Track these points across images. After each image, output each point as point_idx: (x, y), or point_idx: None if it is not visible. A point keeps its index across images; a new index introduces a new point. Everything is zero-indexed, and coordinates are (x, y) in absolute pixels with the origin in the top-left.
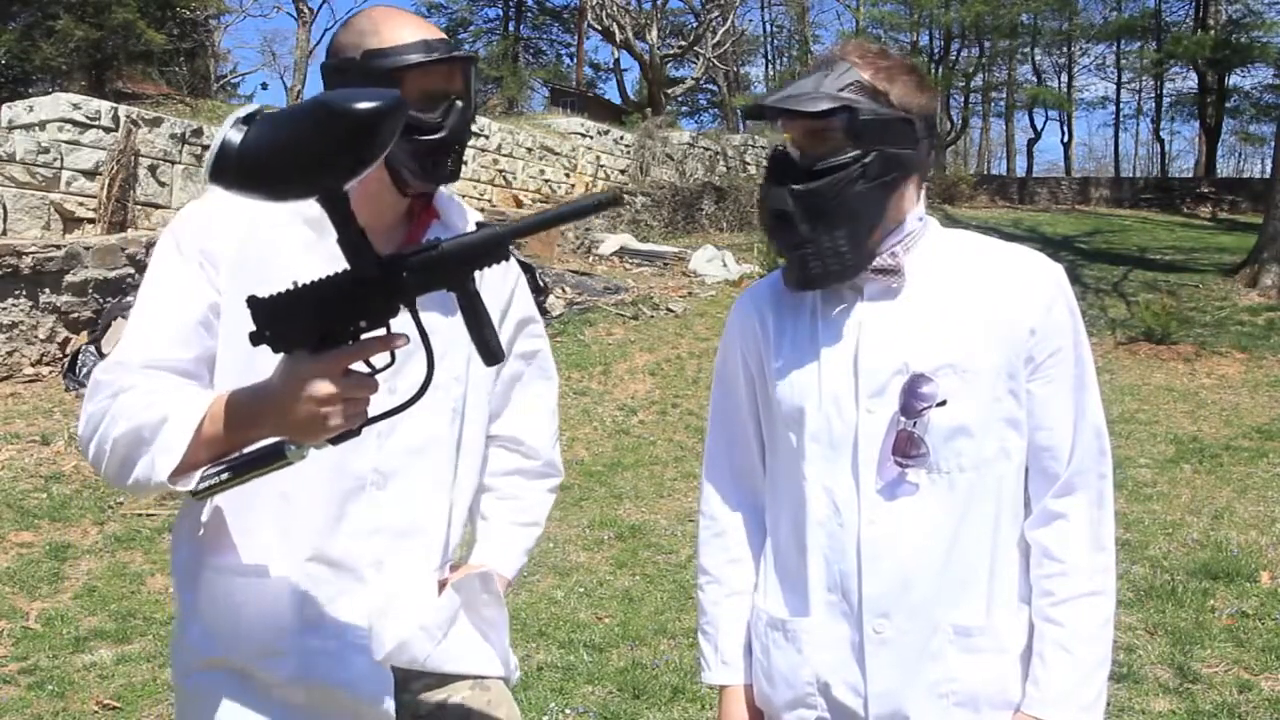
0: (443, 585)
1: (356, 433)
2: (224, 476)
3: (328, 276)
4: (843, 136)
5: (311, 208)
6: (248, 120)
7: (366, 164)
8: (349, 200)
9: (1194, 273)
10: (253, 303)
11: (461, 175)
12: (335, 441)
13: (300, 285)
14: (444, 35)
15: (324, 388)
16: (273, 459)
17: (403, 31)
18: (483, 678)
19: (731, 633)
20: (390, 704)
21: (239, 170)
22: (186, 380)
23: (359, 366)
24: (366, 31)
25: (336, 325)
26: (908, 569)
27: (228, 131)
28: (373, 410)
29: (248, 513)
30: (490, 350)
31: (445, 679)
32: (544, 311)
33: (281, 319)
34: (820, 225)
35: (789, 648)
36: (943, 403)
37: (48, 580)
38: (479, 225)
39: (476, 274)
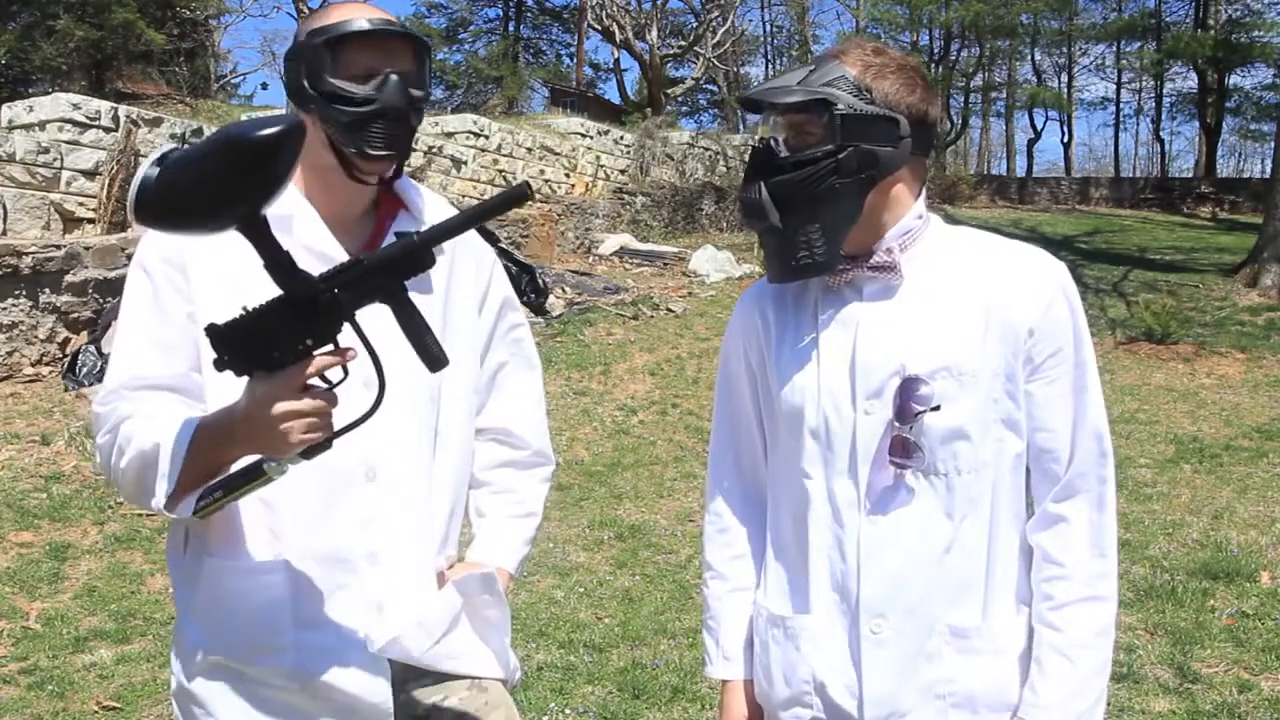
0: (442, 579)
1: (328, 445)
2: (217, 495)
3: (270, 301)
4: (821, 131)
5: (272, 208)
6: (162, 160)
7: (273, 188)
8: (269, 226)
9: (1194, 273)
10: (210, 331)
11: (461, 175)
12: (307, 455)
13: (248, 311)
14: (395, 20)
15: (279, 405)
16: (255, 475)
17: (346, 11)
18: (481, 679)
19: (734, 628)
20: (388, 700)
21: (156, 208)
22: (177, 395)
23: (316, 382)
24: (316, 17)
25: (284, 346)
26: (904, 570)
27: (145, 170)
28: (348, 418)
29: (241, 511)
30: (432, 356)
31: (442, 679)
32: (544, 311)
33: (236, 344)
34: (792, 218)
35: (788, 645)
36: (936, 407)
37: (48, 580)
38: (398, 235)
39: (445, 278)
